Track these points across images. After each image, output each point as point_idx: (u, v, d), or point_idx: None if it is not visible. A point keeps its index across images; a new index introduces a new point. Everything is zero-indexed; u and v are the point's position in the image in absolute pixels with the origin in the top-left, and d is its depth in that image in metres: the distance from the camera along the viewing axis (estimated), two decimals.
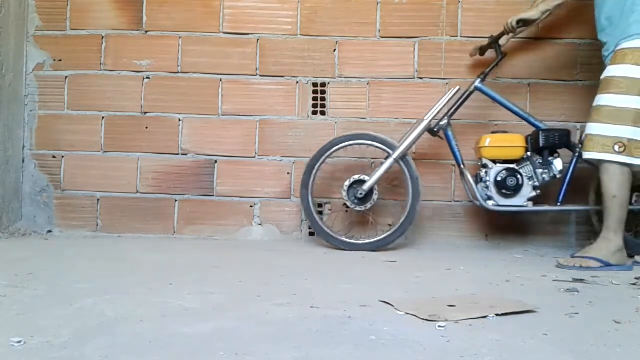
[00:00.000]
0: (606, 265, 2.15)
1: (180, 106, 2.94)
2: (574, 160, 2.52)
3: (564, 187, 2.52)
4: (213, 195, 2.91)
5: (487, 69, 2.63)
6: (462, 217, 2.87)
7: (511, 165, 2.52)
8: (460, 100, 2.63)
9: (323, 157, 2.61)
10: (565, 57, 2.88)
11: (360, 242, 2.59)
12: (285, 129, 2.89)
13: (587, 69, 2.84)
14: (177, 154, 2.93)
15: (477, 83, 2.62)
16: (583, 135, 2.32)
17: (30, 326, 1.22)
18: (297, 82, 2.92)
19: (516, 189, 2.50)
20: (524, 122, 2.62)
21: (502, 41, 2.64)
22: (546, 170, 2.52)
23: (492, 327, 1.29)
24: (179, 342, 1.14)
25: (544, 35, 2.88)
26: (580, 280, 1.88)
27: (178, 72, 2.95)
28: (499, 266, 2.19)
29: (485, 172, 2.54)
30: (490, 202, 2.52)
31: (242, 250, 2.52)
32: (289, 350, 1.09)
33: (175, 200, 2.93)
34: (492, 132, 2.65)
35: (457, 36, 2.91)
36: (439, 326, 1.27)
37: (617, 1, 2.23)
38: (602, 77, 2.25)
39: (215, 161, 2.92)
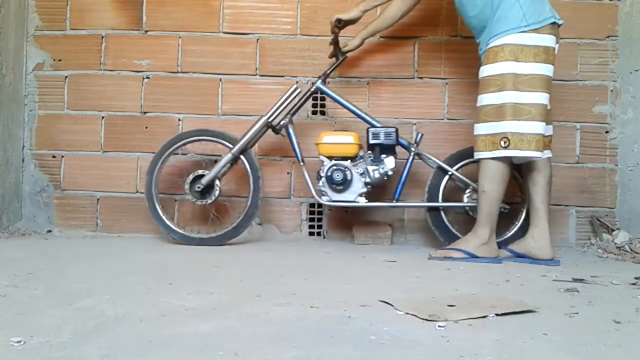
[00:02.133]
0: (472, 257, 2.26)
1: (180, 106, 2.94)
2: (410, 159, 2.61)
3: (400, 185, 2.62)
4: None
5: (329, 70, 2.72)
6: (463, 218, 2.87)
7: (342, 162, 2.58)
8: (302, 100, 2.69)
9: (165, 155, 2.69)
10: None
11: (203, 236, 2.65)
12: None
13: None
14: (177, 153, 2.93)
15: (318, 84, 2.69)
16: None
17: (30, 326, 1.22)
18: (297, 82, 2.92)
19: (345, 185, 2.56)
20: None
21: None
22: (377, 168, 2.57)
23: (492, 327, 1.29)
24: (179, 342, 1.14)
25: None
26: (580, 280, 1.88)
27: (178, 72, 2.95)
28: (499, 266, 2.19)
29: (322, 168, 2.59)
30: (324, 198, 2.60)
31: (242, 250, 2.52)
32: (289, 350, 1.09)
33: (175, 201, 2.93)
34: (335, 130, 2.73)
35: (456, 36, 2.92)
36: (439, 326, 1.27)
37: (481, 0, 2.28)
38: (479, 77, 2.31)
39: (216, 161, 2.91)
